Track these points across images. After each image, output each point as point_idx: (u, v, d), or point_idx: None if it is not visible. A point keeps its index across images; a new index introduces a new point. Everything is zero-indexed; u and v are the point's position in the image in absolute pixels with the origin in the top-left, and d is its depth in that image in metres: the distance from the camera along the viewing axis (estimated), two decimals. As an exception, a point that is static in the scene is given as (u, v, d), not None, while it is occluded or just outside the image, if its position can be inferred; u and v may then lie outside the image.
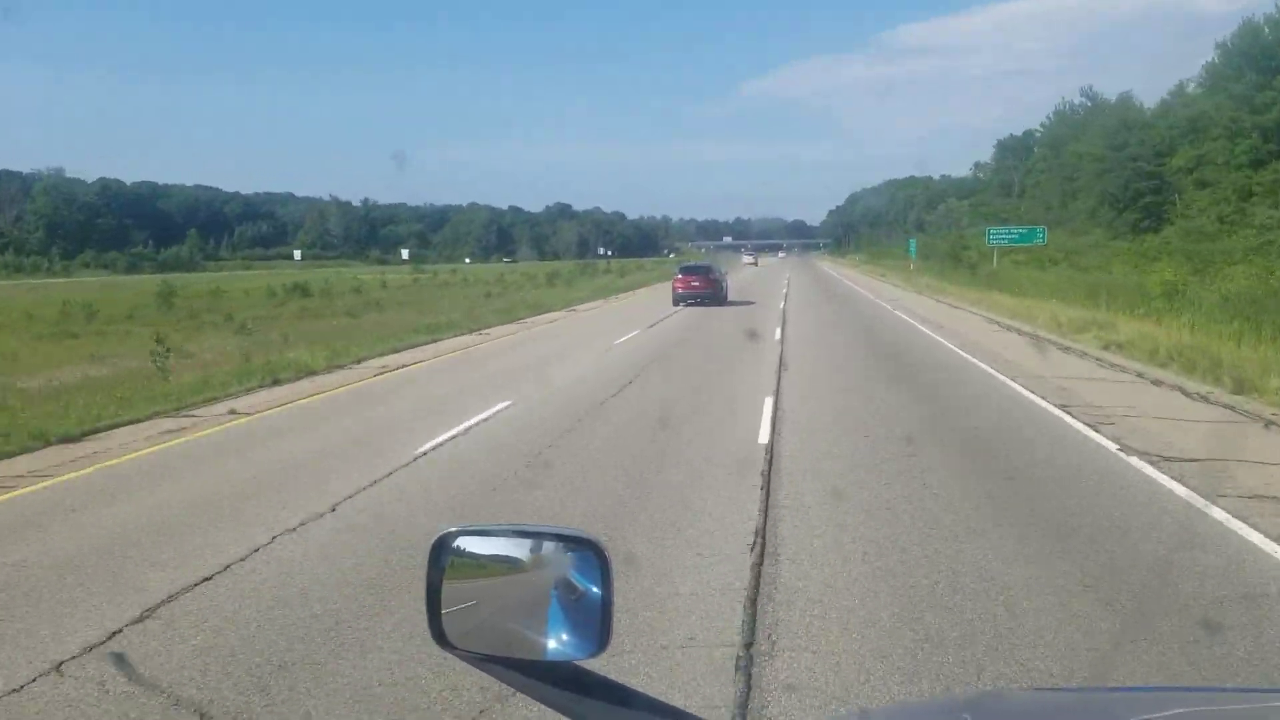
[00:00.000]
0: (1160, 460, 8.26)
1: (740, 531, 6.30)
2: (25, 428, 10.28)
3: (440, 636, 1.35)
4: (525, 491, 7.63)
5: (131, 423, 11.06)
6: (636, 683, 3.64)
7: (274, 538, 6.35)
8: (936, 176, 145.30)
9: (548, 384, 13.46)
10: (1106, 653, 4.38)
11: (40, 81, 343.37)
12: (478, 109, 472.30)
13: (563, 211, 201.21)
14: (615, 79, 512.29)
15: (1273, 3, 57.90)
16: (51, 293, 52.48)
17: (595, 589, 1.33)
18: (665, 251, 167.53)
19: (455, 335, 22.10)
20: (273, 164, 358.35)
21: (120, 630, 4.86)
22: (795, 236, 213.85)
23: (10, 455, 9.40)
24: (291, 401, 12.56)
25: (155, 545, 6.36)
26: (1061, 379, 13.36)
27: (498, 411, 11.14)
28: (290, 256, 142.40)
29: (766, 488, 7.44)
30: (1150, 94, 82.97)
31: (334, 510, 7.04)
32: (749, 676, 4.15)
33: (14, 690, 4.21)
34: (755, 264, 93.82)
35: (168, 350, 16.14)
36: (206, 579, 5.59)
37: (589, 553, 1.35)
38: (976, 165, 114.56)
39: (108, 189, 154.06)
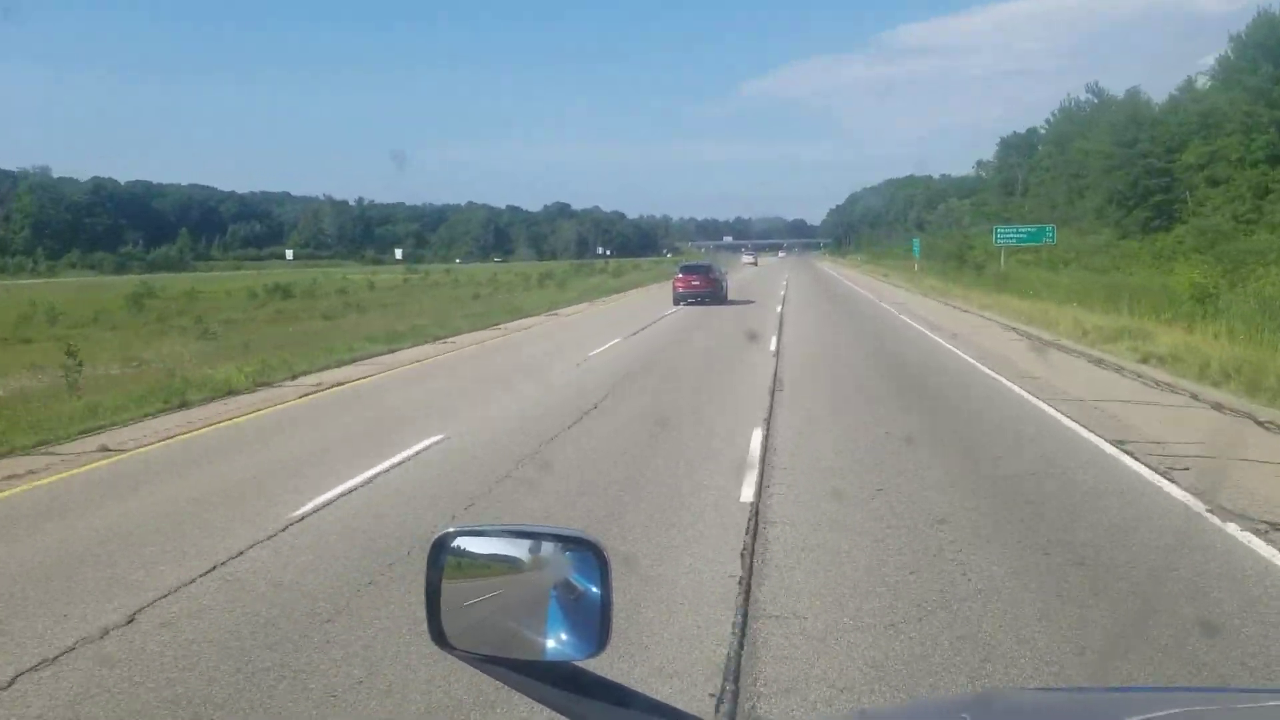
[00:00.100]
0: (1271, 530, 6.18)
1: (704, 667, 4.22)
2: None
3: (439, 637, 1.34)
4: (415, 584, 5.53)
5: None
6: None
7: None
8: (937, 176, 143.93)
9: (496, 410, 11.40)
10: None
11: (37, 81, 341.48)
12: (477, 109, 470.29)
13: (561, 211, 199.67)
14: (615, 79, 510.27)
15: (1274, 2, 56.10)
16: (27, 294, 50.76)
17: (595, 589, 1.33)
18: (664, 251, 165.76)
19: (417, 344, 20.03)
20: (270, 164, 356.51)
21: None
22: (795, 236, 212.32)
23: None
24: (184, 433, 10.44)
25: None
26: (1106, 403, 11.28)
27: (421, 451, 9.06)
28: (283, 256, 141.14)
29: (747, 583, 5.36)
30: (1152, 93, 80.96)
31: (103, 637, 4.77)
32: None
33: None
34: (755, 263, 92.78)
35: (80, 363, 14.16)
36: None
37: (588, 553, 1.35)
38: (979, 163, 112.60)
39: (101, 188, 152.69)
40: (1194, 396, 12.01)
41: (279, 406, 12.17)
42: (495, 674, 1.35)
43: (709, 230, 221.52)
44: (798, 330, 21.90)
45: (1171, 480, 7.51)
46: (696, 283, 32.66)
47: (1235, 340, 16.99)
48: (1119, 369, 14.76)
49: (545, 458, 8.76)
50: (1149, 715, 1.36)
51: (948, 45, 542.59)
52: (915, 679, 4.08)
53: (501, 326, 24.73)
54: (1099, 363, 15.56)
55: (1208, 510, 6.69)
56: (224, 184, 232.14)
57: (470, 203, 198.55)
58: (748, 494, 7.21)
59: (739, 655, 4.35)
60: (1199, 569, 5.49)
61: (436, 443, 9.36)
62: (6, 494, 7.95)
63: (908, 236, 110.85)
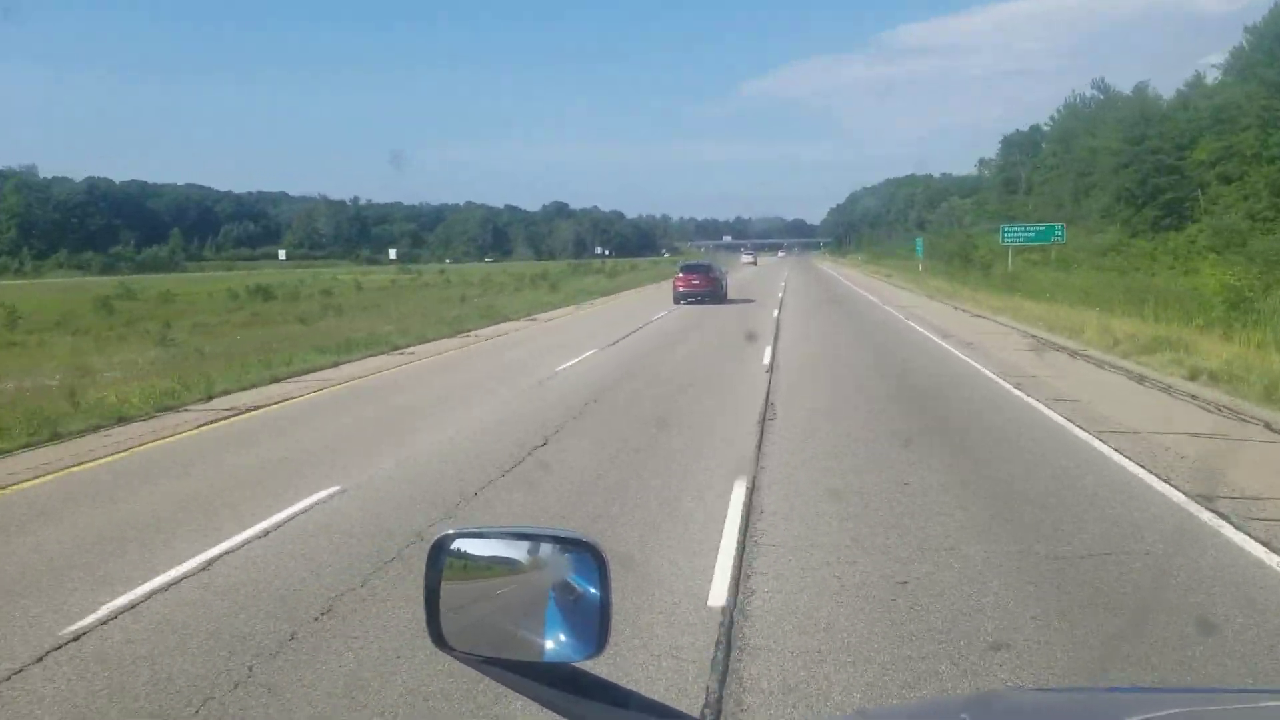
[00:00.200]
0: None
1: None
2: None
3: (439, 638, 1.33)
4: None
5: None
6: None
7: None
8: (937, 175, 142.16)
9: (422, 446, 9.34)
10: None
11: (33, 80, 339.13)
12: (477, 109, 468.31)
13: (560, 211, 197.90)
14: (615, 79, 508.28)
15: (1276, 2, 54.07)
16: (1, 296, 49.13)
17: (593, 590, 1.32)
18: (662, 251, 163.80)
19: (370, 355, 17.96)
20: (268, 164, 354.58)
21: None
22: (795, 236, 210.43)
23: None
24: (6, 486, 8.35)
25: None
26: (1168, 436, 9.22)
27: (300, 512, 7.00)
28: (277, 257, 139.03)
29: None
30: (1157, 90, 78.99)
31: None
32: None
33: None
34: (754, 263, 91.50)
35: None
36: None
37: (587, 554, 1.33)
38: (981, 162, 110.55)
39: (96, 187, 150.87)
40: (1267, 427, 9.97)
41: (161, 441, 10.07)
42: (494, 675, 1.33)
43: (709, 230, 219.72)
44: (795, 339, 19.83)
45: (1300, 569, 5.46)
46: (697, 282, 32.71)
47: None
48: (1166, 388, 12.70)
49: (468, 515, 6.71)
50: (1148, 715, 1.34)
51: (948, 45, 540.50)
52: None
53: (473, 333, 22.63)
54: (1140, 380, 13.50)
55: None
56: (221, 184, 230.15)
57: (469, 203, 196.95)
58: (719, 595, 5.15)
59: None
60: None
61: (322, 501, 7.31)
62: None
63: (908, 236, 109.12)
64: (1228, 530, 6.22)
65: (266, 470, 8.49)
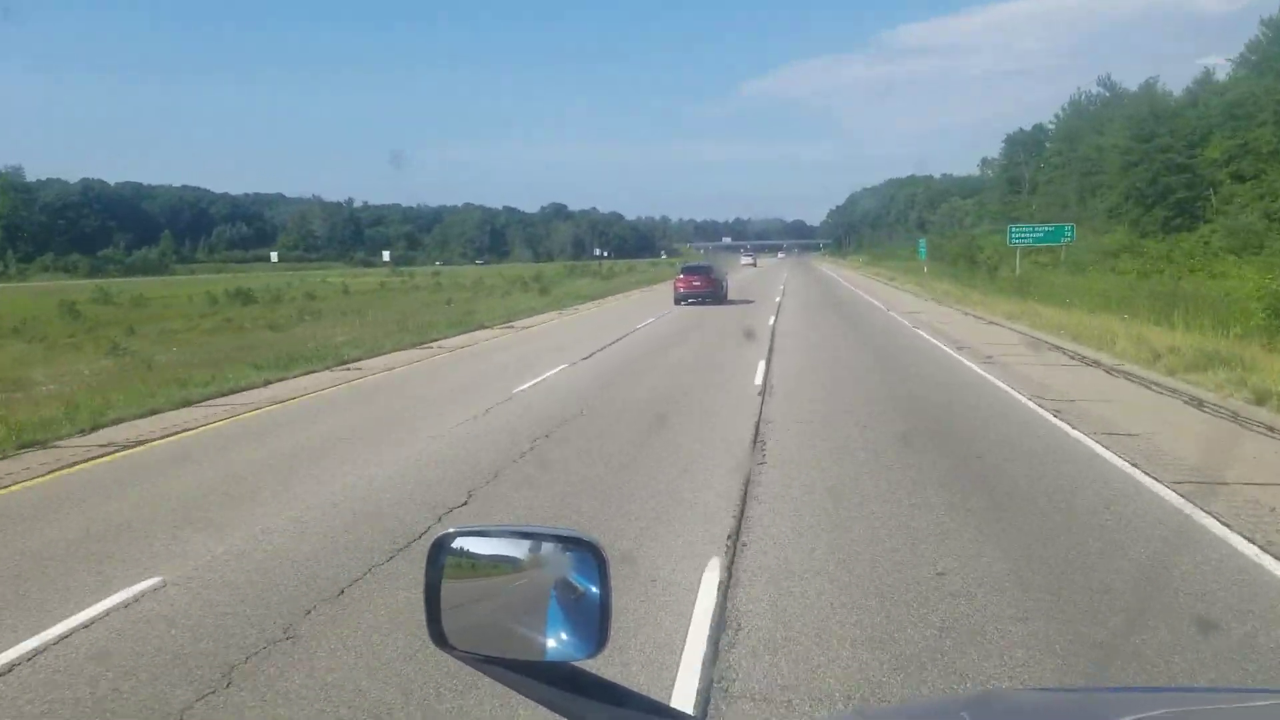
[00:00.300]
0: None
1: None
2: None
3: (439, 637, 1.32)
4: None
5: None
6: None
7: None
8: (938, 175, 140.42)
9: (311, 502, 7.26)
10: None
11: (31, 82, 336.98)
12: (477, 109, 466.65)
13: (558, 212, 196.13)
14: (615, 79, 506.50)
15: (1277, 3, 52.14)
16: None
17: (594, 589, 1.31)
18: (660, 252, 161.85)
19: (311, 371, 15.88)
20: (267, 165, 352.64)
21: None
22: (795, 237, 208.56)
23: None
24: None
25: None
26: (1270, 492, 7.15)
27: (86, 625, 4.93)
28: (269, 259, 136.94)
29: None
30: (1165, 88, 77.12)
31: None
32: None
33: None
34: (754, 264, 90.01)
35: None
36: None
37: (587, 553, 1.32)
38: (984, 161, 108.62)
39: (90, 189, 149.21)
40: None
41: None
42: (494, 674, 1.31)
43: (708, 231, 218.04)
44: (792, 352, 17.74)
45: None
46: (698, 283, 32.66)
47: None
48: (1232, 415, 10.64)
49: (294, 649, 4.63)
50: (1146, 715, 1.34)
51: (948, 45, 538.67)
52: None
53: (437, 344, 20.51)
54: (1199, 404, 11.44)
55: None
56: (217, 186, 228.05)
57: (467, 204, 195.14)
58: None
59: None
60: None
61: (131, 601, 5.24)
62: None
63: (909, 237, 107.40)
64: None
65: (77, 548, 6.37)
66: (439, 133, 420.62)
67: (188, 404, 12.53)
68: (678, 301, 32.33)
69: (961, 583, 5.30)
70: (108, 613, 5.12)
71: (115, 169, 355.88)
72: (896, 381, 13.68)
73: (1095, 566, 5.56)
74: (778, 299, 34.64)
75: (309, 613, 5.06)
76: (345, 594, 5.34)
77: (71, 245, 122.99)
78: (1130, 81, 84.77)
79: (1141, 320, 22.20)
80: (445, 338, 21.89)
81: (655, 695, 3.83)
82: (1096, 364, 15.38)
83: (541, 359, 16.46)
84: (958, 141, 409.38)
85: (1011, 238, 43.85)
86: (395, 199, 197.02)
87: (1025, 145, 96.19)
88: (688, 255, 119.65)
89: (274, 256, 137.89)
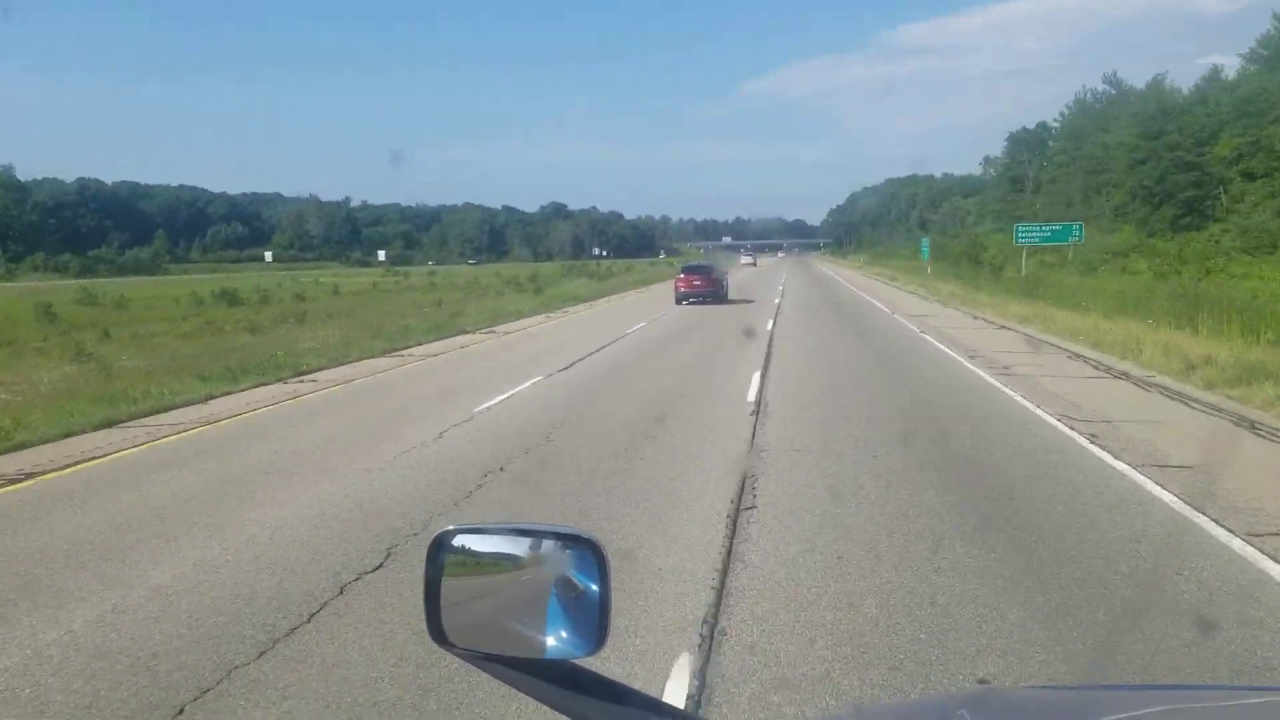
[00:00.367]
0: None
1: None
2: None
3: (439, 635, 1.32)
4: None
5: None
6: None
7: None
8: (939, 175, 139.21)
9: (175, 573, 5.84)
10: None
11: (29, 81, 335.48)
12: (477, 109, 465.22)
13: (557, 211, 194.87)
14: (615, 79, 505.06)
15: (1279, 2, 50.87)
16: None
17: (594, 586, 1.30)
18: (659, 252, 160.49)
19: (265, 382, 14.48)
20: (265, 165, 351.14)
21: None
22: (795, 236, 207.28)
23: None
24: None
25: None
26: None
27: None
28: (264, 258, 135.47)
29: None
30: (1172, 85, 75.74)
31: None
32: None
33: None
34: (754, 264, 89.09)
35: None
36: None
37: (587, 551, 1.32)
38: (986, 160, 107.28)
39: (86, 188, 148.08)
40: None
41: None
42: (494, 672, 1.31)
43: (708, 231, 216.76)
44: (791, 361, 16.33)
45: None
46: (698, 283, 32.45)
47: None
48: (1297, 442, 9.23)
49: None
50: (1144, 712, 1.32)
51: (948, 45, 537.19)
52: None
53: (407, 352, 19.06)
54: (1250, 426, 10.04)
55: None
56: (216, 185, 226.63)
57: (466, 204, 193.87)
58: None
59: None
60: None
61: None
62: None
63: (910, 236, 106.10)
64: None
65: None
66: (439, 132, 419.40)
67: (110, 424, 11.12)
68: (679, 301, 32.01)
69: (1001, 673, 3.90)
70: None
71: (113, 168, 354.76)
72: (905, 395, 12.28)
73: (1186, 665, 4.15)
74: (777, 300, 33.24)
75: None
76: None
77: (66, 245, 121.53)
78: (1132, 81, 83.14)
79: (1162, 325, 20.83)
80: (420, 344, 20.46)
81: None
82: (1125, 376, 13.98)
83: (516, 370, 15.05)
84: (958, 141, 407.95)
85: (1018, 237, 42.45)
86: (395, 199, 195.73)
87: (1028, 143, 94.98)
88: (687, 255, 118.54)
89: (268, 256, 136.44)
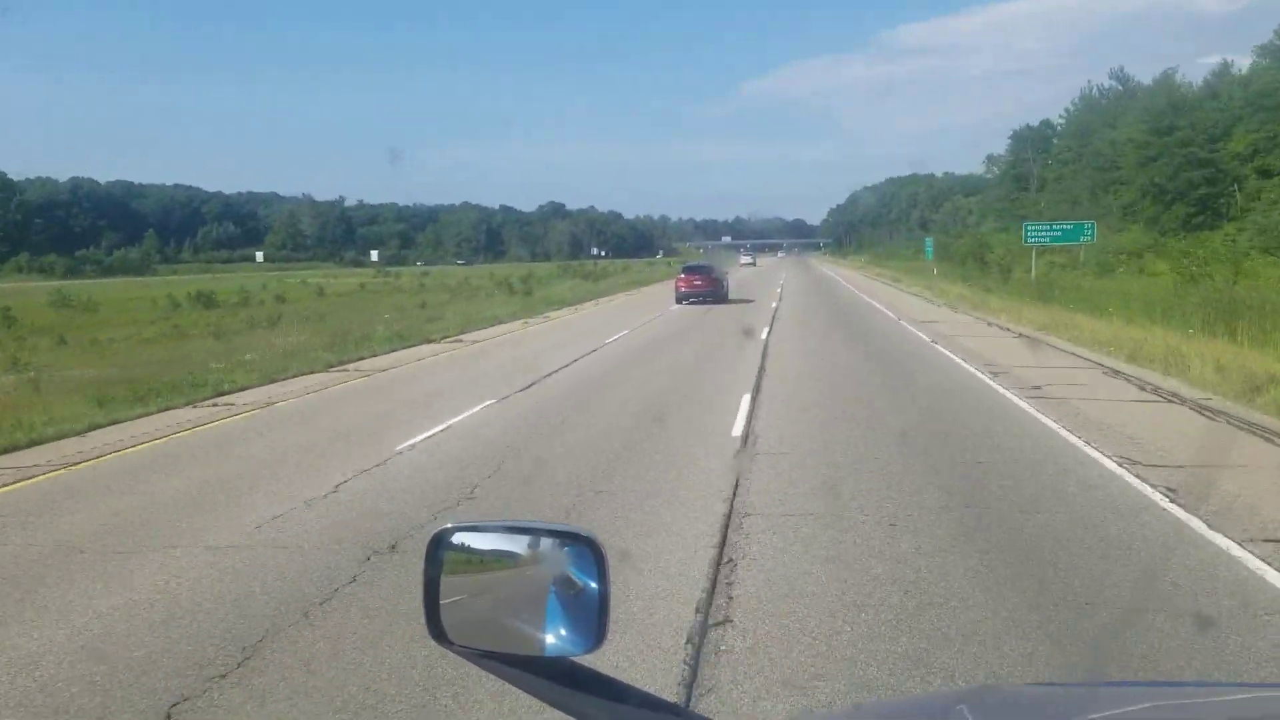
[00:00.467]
0: None
1: None
2: None
3: (438, 633, 1.31)
4: None
5: None
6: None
7: None
8: (939, 174, 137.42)
9: None
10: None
11: (26, 81, 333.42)
12: (476, 109, 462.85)
13: (555, 211, 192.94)
14: (615, 79, 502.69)
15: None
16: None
17: (593, 584, 1.30)
18: (658, 252, 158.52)
19: (173, 406, 12.41)
20: (262, 164, 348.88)
21: None
22: (795, 236, 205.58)
23: None
24: None
25: None
26: None
27: None
28: (255, 259, 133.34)
29: None
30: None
31: None
32: None
33: None
34: (754, 264, 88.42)
35: None
36: None
37: (586, 548, 1.31)
38: (989, 159, 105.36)
39: (79, 188, 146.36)
40: None
41: None
42: (493, 669, 1.30)
43: (708, 230, 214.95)
44: (787, 379, 14.24)
45: None
46: (699, 282, 32.40)
47: None
48: None
49: None
50: (1142, 708, 1.31)
51: (948, 45, 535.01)
52: None
53: (356, 365, 16.93)
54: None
55: None
56: (212, 185, 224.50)
57: (464, 203, 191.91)
58: None
59: None
60: None
61: None
62: None
63: (911, 236, 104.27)
64: None
65: None
66: (437, 132, 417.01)
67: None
68: (679, 301, 31.81)
69: None
70: None
71: (109, 168, 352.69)
72: (917, 421, 10.19)
73: None
74: (774, 305, 31.16)
75: None
76: None
77: (58, 245, 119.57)
78: (1137, 79, 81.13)
79: (1199, 333, 18.80)
80: (375, 355, 18.36)
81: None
82: (1176, 397, 11.90)
83: (467, 391, 12.97)
84: (958, 141, 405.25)
85: (1027, 236, 40.35)
86: (392, 198, 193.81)
87: (1032, 141, 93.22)
88: (686, 254, 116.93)
89: (259, 256, 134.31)
